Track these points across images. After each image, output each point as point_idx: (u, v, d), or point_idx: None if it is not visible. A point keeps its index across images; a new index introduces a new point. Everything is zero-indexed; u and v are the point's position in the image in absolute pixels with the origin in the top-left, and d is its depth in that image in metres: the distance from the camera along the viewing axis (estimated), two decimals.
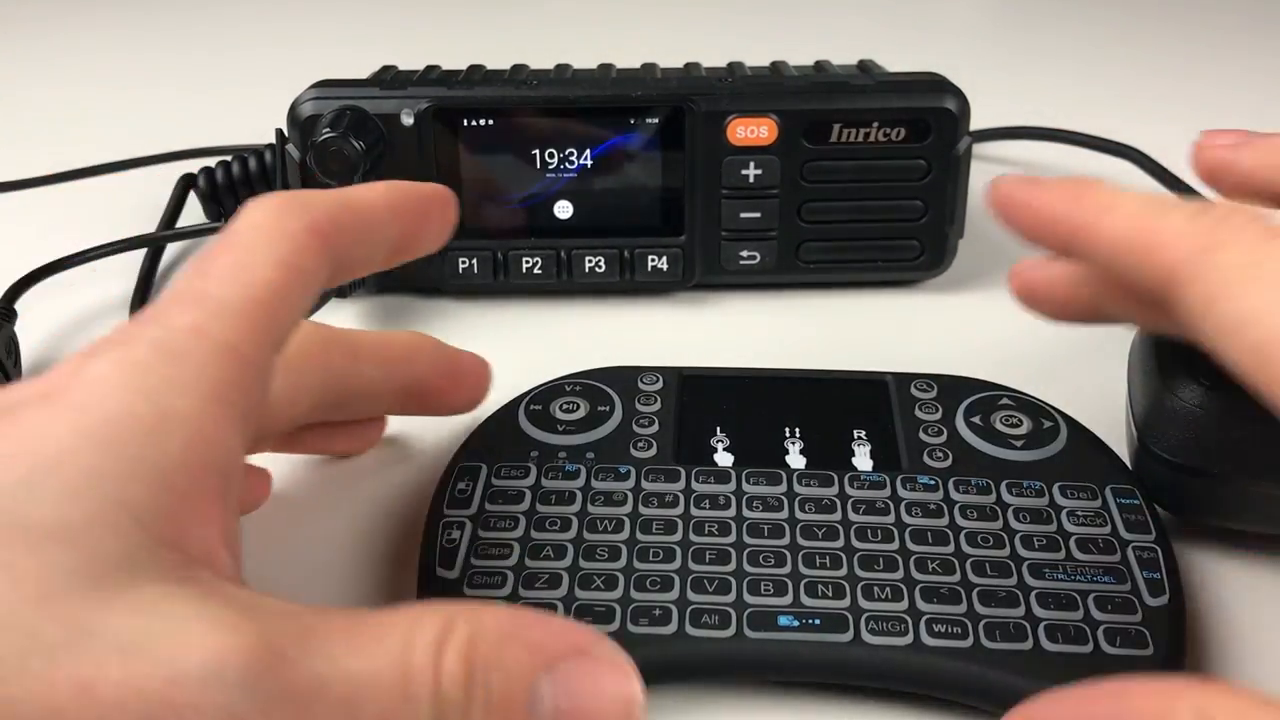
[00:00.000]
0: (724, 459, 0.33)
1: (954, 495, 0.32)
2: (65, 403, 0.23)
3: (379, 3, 0.72)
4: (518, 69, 0.46)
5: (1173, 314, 0.25)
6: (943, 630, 0.28)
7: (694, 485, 0.32)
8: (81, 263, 0.45)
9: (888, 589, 0.29)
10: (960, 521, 0.31)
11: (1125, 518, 0.31)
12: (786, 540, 0.30)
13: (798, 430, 0.34)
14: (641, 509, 0.31)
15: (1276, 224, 0.25)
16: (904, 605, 0.28)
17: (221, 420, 0.24)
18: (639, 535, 0.31)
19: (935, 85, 0.44)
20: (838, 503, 0.31)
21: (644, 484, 0.32)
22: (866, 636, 0.28)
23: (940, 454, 0.33)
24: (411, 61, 0.47)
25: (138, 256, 0.47)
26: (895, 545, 0.30)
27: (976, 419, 0.34)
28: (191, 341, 0.24)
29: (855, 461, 0.33)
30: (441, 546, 0.30)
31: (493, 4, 0.66)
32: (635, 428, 0.35)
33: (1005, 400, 0.35)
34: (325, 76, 0.44)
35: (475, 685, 0.22)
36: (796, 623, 0.28)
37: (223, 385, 0.24)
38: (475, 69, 0.45)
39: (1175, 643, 0.28)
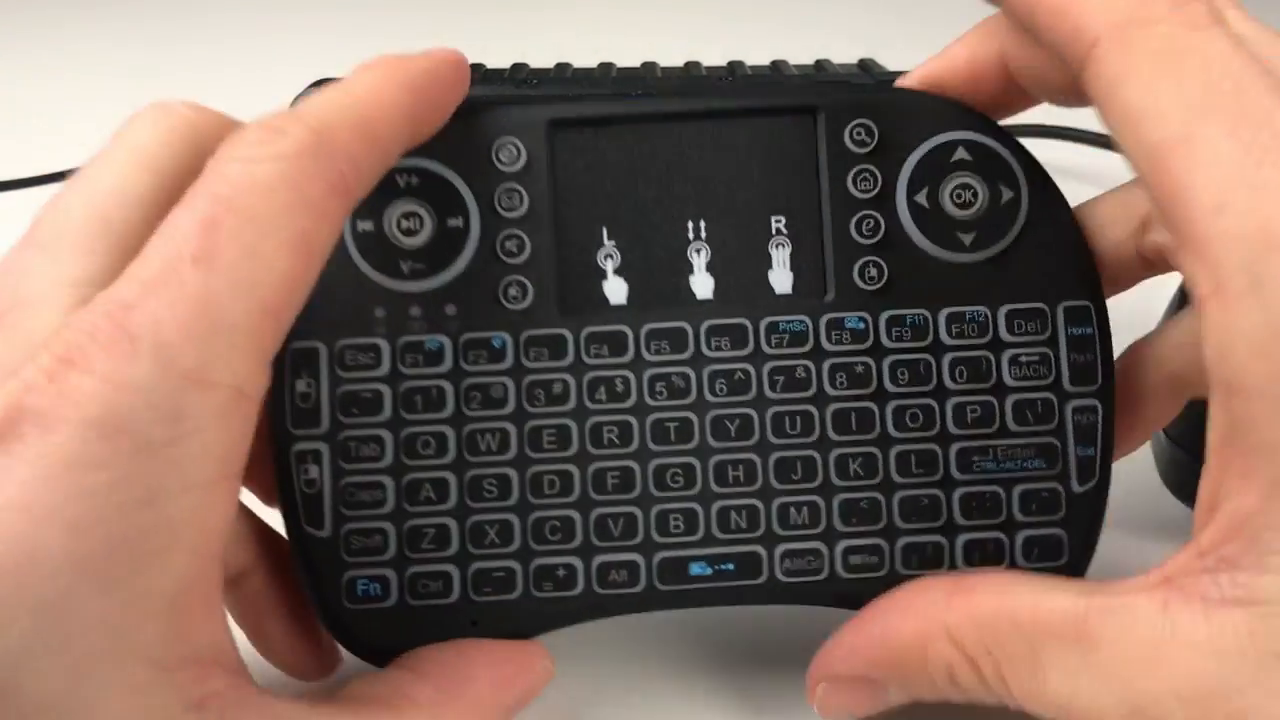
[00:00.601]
0: (616, 290, 0.28)
1: (885, 341, 0.28)
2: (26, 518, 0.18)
3: (378, 2, 0.72)
4: (517, 68, 0.46)
5: (1079, 90, 0.24)
6: (859, 562, 0.28)
7: (585, 358, 0.28)
8: None
9: (804, 509, 0.28)
10: (888, 387, 0.28)
11: (1072, 357, 0.28)
12: (695, 442, 0.28)
13: (703, 225, 0.28)
14: (527, 408, 0.27)
15: (1219, 9, 0.22)
16: (820, 528, 0.28)
17: (224, 499, 0.21)
18: (528, 452, 0.27)
19: None
20: (751, 373, 0.28)
21: (525, 362, 0.27)
22: (781, 576, 0.28)
23: (874, 269, 0.28)
24: None
25: None
26: (815, 436, 0.28)
27: (923, 196, 0.28)
28: (192, 401, 0.19)
29: (773, 280, 0.28)
30: (302, 492, 0.27)
31: (492, 3, 0.66)
32: (502, 255, 0.28)
33: (961, 152, 0.28)
34: (324, 75, 0.43)
35: None
36: (709, 570, 0.28)
37: (226, 456, 0.21)
38: (475, 67, 0.45)
39: (1088, 543, 0.28)
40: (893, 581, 0.28)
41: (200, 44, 0.78)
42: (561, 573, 0.27)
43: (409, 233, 0.27)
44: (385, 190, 0.27)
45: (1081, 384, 0.28)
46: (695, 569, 0.28)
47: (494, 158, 0.28)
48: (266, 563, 0.28)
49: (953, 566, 0.28)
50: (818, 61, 0.48)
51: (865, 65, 0.48)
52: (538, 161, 0.28)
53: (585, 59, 0.48)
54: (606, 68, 0.47)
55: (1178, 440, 0.35)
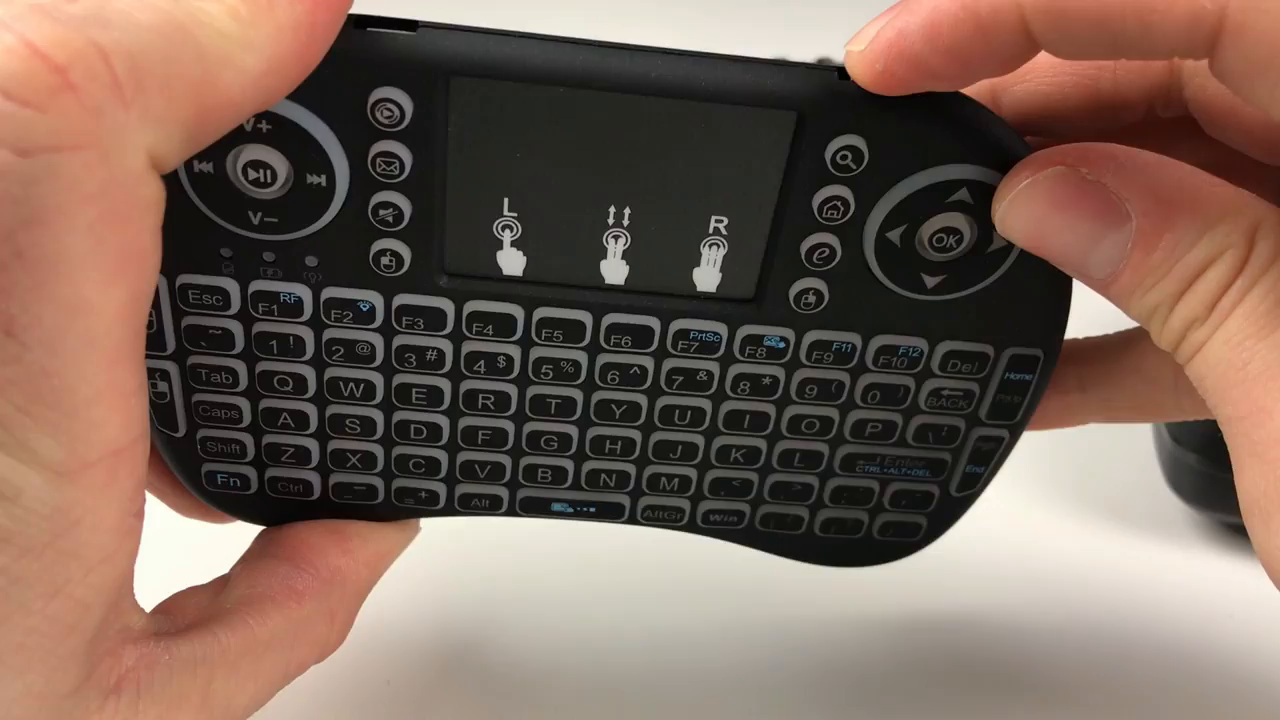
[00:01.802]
0: (512, 262, 0.24)
1: (802, 360, 0.25)
2: None
3: (377, 1, 0.47)
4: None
5: (1194, 88, 0.22)
6: (718, 520, 0.28)
7: (465, 332, 0.24)
8: None
9: (675, 479, 0.27)
10: (794, 401, 0.26)
11: (999, 397, 0.26)
12: (576, 415, 0.26)
13: (626, 212, 0.23)
14: (396, 367, 0.25)
15: None
16: (688, 493, 0.27)
17: (125, 548, 0.20)
18: (395, 405, 0.25)
19: None
20: (649, 370, 0.25)
21: (397, 329, 0.24)
22: (640, 520, 0.28)
23: (813, 296, 0.24)
24: None
25: None
26: (703, 426, 0.26)
27: (897, 234, 0.23)
28: (74, 501, 0.18)
29: (696, 278, 0.24)
30: (153, 402, 0.25)
31: (493, 3, 0.47)
32: (375, 223, 0.22)
33: (963, 193, 0.22)
34: None
35: None
36: (570, 509, 0.28)
37: (121, 511, 0.19)
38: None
39: (941, 529, 0.29)
40: (747, 534, 0.29)
41: None
42: (424, 494, 0.27)
43: (258, 184, 0.22)
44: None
45: (997, 418, 0.27)
46: (557, 507, 0.28)
47: (370, 113, 0.21)
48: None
49: (809, 532, 0.29)
50: (819, 59, 0.43)
51: None
52: (425, 119, 0.21)
53: None
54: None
55: (1181, 440, 0.34)
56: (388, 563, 0.28)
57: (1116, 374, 0.27)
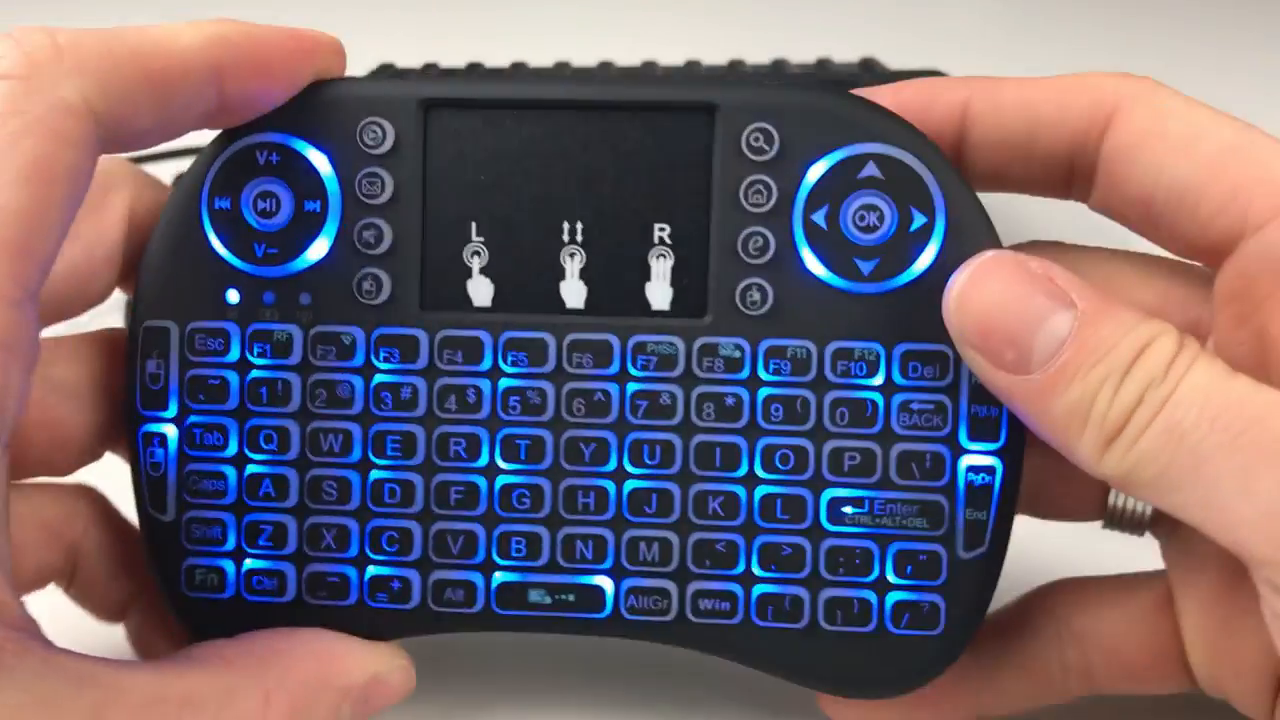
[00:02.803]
0: (481, 291, 0.26)
1: (761, 373, 0.25)
2: None
3: (377, 1, 0.73)
4: (517, 66, 0.45)
5: (1095, 156, 0.24)
6: (709, 607, 0.26)
7: (439, 363, 0.26)
8: None
9: (655, 546, 0.26)
10: (761, 424, 0.25)
11: (973, 410, 0.25)
12: (547, 463, 0.26)
13: (579, 228, 0.26)
14: (374, 411, 0.26)
15: None
16: (671, 568, 0.26)
17: None
18: (371, 458, 0.26)
19: None
20: (613, 395, 0.25)
21: (375, 363, 0.26)
22: (625, 614, 0.26)
23: (757, 293, 0.25)
24: (409, 59, 0.46)
25: None
26: (675, 469, 0.25)
27: (821, 215, 0.25)
28: None
29: (650, 294, 0.26)
30: (148, 475, 0.26)
31: (494, 3, 0.66)
32: (360, 247, 0.26)
33: (871, 167, 0.25)
34: None
35: None
36: (548, 599, 0.26)
37: None
38: (474, 66, 0.45)
39: (970, 617, 0.25)
40: (746, 631, 0.26)
41: None
42: (396, 585, 0.26)
43: (266, 214, 0.26)
44: (245, 167, 0.26)
45: (980, 439, 0.25)
46: (534, 596, 0.26)
47: (359, 138, 0.26)
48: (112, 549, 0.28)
49: (813, 623, 0.26)
50: (819, 61, 0.46)
51: (867, 63, 0.46)
52: (406, 144, 0.26)
53: (585, 59, 0.47)
54: (605, 67, 0.46)
55: None
56: (358, 677, 0.25)
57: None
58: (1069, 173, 0.26)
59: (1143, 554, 0.28)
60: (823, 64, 0.45)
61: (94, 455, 0.27)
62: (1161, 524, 0.27)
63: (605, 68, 0.45)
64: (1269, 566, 0.21)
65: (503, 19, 0.62)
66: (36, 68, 0.21)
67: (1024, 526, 0.27)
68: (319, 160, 0.26)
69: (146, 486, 0.26)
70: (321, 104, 0.26)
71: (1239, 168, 0.23)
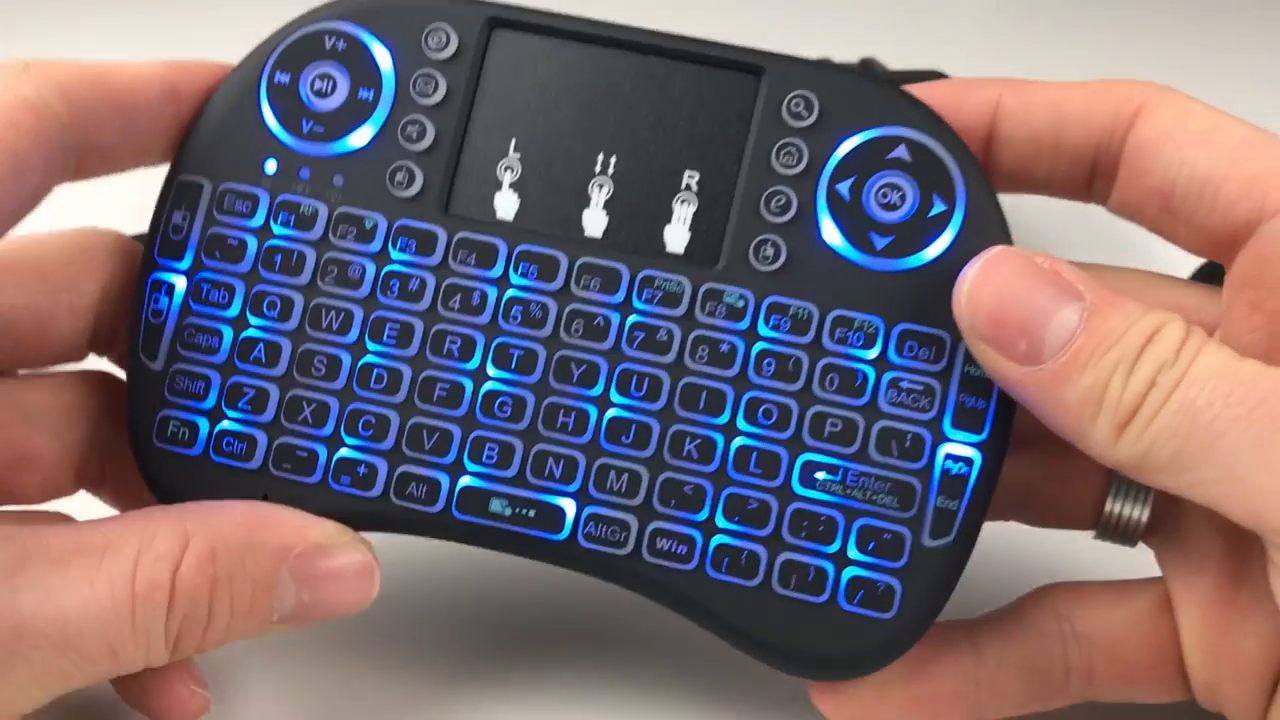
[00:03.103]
0: (507, 205, 0.27)
1: (760, 328, 0.26)
2: None
3: None
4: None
5: (1119, 152, 0.25)
6: (665, 548, 0.25)
7: (451, 262, 0.26)
8: None
9: (625, 477, 0.26)
10: (751, 376, 0.26)
11: (961, 398, 0.25)
12: (535, 376, 0.26)
13: (613, 160, 0.27)
14: (379, 297, 0.26)
15: None
16: (636, 502, 0.25)
17: None
18: (367, 342, 0.26)
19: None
20: (613, 321, 0.26)
21: (391, 251, 0.26)
22: (581, 540, 0.26)
23: (771, 249, 0.26)
24: None
25: None
26: (659, 405, 0.26)
27: (846, 185, 0.26)
28: None
29: (667, 236, 0.26)
30: (148, 321, 0.27)
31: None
32: (401, 139, 0.27)
33: (901, 150, 0.26)
34: None
35: (219, 597, 0.23)
36: (509, 510, 0.26)
37: None
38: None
39: (927, 608, 0.25)
40: (697, 579, 0.25)
41: (196, 45, 0.77)
42: (362, 470, 0.26)
43: (320, 94, 0.27)
44: (312, 48, 0.27)
45: (963, 429, 0.25)
46: (495, 505, 0.26)
47: (424, 40, 0.27)
48: None
49: (765, 583, 0.25)
50: (819, 61, 0.46)
51: (867, 63, 0.46)
52: (466, 54, 0.27)
53: None
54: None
55: None
56: (292, 539, 0.25)
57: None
58: (1091, 170, 0.26)
59: (1135, 563, 0.28)
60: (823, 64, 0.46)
61: (66, 489, 0.28)
62: (1156, 532, 0.27)
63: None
64: None
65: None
66: (4, 74, 0.24)
67: (1018, 534, 0.27)
68: (381, 55, 0.27)
69: (143, 331, 0.27)
70: (394, 7, 0.27)
71: (1257, 159, 0.24)
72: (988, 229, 0.26)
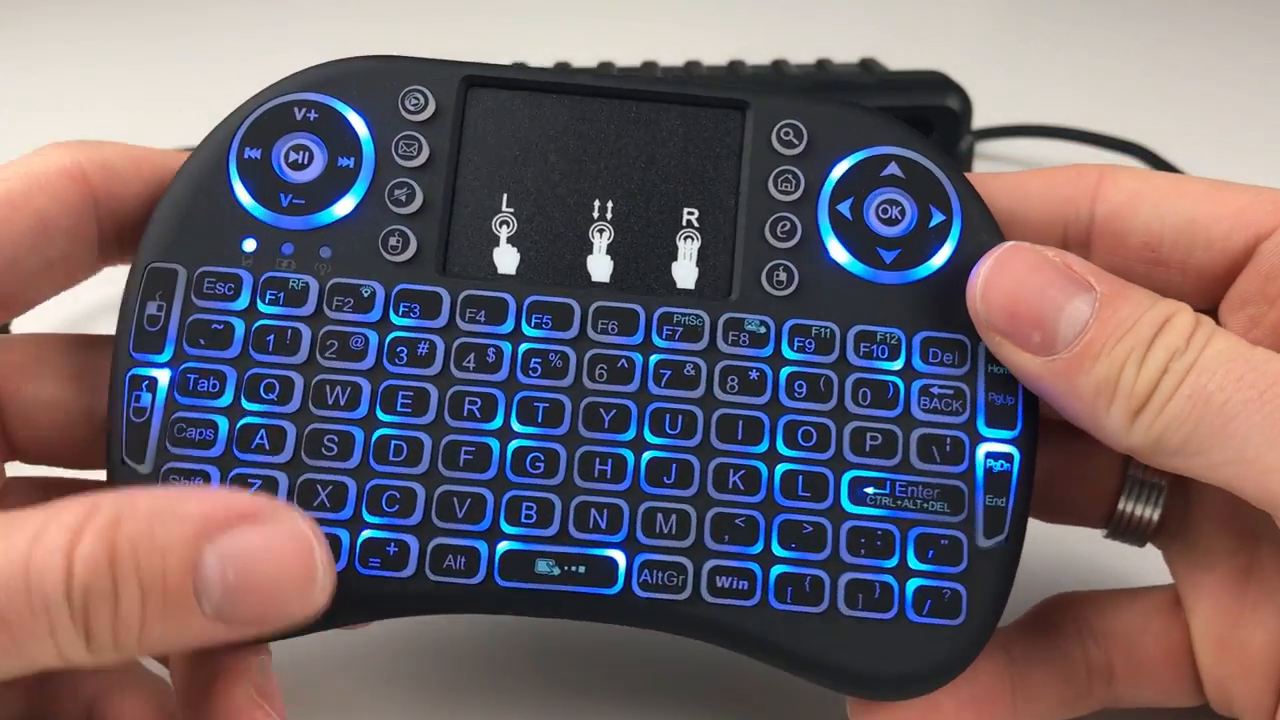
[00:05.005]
0: (507, 259, 0.26)
1: (786, 352, 0.26)
2: None
3: (376, 3, 0.72)
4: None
5: (1088, 222, 0.26)
6: (726, 585, 0.25)
7: (459, 321, 0.25)
8: None
9: (673, 518, 0.25)
10: (784, 400, 0.25)
11: (990, 397, 0.26)
12: (565, 428, 0.25)
13: (609, 206, 0.26)
14: (386, 366, 0.25)
15: None
16: (688, 543, 0.25)
17: None
18: (379, 414, 0.25)
19: (937, 83, 0.44)
20: (637, 363, 0.25)
21: (394, 318, 0.25)
22: (637, 589, 0.25)
23: (783, 273, 0.26)
24: None
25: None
26: (695, 441, 0.25)
27: (846, 206, 0.26)
28: None
29: (676, 273, 0.26)
30: (129, 420, 0.25)
31: (494, 3, 0.66)
32: (389, 204, 0.26)
33: (893, 167, 0.27)
34: None
35: (123, 567, 0.20)
36: (557, 570, 0.25)
37: None
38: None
39: (991, 609, 0.25)
40: (763, 615, 0.25)
41: (196, 46, 0.75)
42: (392, 550, 0.25)
43: (297, 166, 0.26)
44: (281, 120, 0.26)
45: (997, 427, 0.26)
46: (541, 566, 0.25)
47: (400, 104, 0.26)
48: None
49: (832, 608, 0.25)
50: (819, 61, 0.47)
51: (867, 64, 0.47)
52: (445, 114, 0.27)
53: (586, 59, 0.47)
54: (606, 67, 0.46)
55: None
56: (208, 506, 0.21)
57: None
58: (1062, 243, 0.27)
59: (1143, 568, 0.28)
60: (822, 64, 0.46)
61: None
62: (1164, 532, 0.28)
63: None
64: None
65: (501, 12, 0.63)
66: (50, 147, 0.26)
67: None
68: (357, 122, 0.26)
69: (125, 433, 0.25)
70: (363, 74, 0.27)
71: (1235, 195, 0.25)
72: (984, 235, 0.26)
